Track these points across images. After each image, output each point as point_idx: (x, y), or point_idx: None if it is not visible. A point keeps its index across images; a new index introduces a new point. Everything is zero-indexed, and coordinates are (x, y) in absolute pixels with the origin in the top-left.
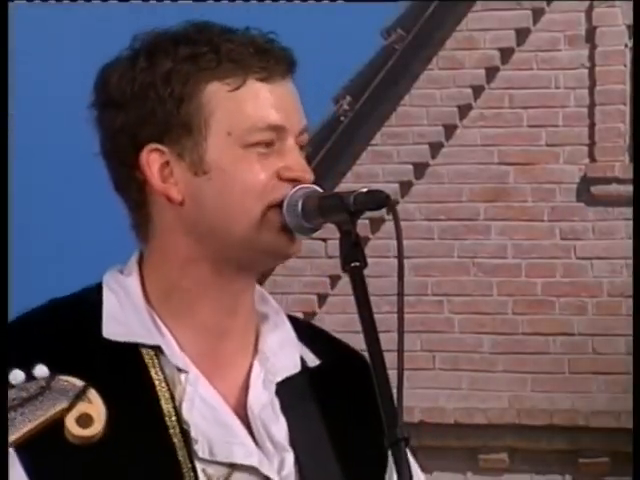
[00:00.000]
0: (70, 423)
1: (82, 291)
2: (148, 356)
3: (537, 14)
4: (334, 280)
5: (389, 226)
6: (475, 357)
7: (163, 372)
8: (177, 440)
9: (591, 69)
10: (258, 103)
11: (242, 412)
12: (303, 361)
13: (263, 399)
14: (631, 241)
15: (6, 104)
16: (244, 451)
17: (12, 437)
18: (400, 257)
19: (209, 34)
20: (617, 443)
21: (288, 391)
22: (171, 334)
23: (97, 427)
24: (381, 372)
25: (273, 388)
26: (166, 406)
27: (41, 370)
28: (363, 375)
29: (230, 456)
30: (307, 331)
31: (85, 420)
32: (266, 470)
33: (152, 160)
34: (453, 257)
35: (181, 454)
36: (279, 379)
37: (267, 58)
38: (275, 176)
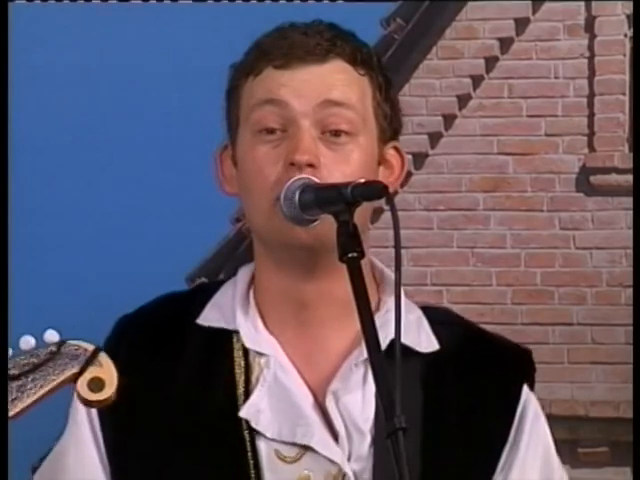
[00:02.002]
0: (82, 387)
1: (205, 283)
2: (235, 340)
3: (536, 3)
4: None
5: (388, 216)
6: None
7: (246, 356)
8: (244, 420)
9: (590, 59)
10: (265, 85)
11: (324, 396)
12: (412, 349)
13: (343, 381)
14: (630, 231)
15: (6, 104)
16: (304, 430)
17: (25, 403)
18: (397, 247)
19: (269, 32)
20: (616, 433)
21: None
22: (262, 321)
23: (108, 391)
24: (379, 363)
25: (369, 371)
26: (239, 387)
27: (51, 335)
28: (504, 367)
29: (293, 436)
30: (444, 322)
31: (97, 384)
32: (325, 452)
33: (224, 156)
34: (452, 247)
35: (246, 433)
36: (360, 360)
37: (282, 45)
38: (283, 167)
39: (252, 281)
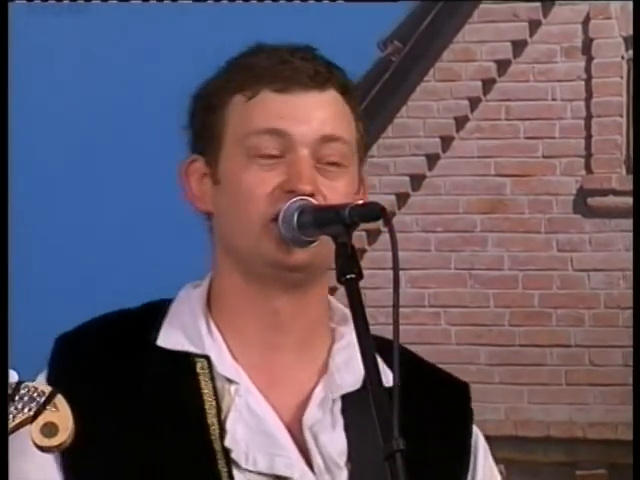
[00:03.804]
0: (35, 432)
1: (151, 302)
2: (200, 366)
3: (533, 26)
4: (331, 292)
5: (386, 238)
6: (472, 369)
7: (213, 382)
8: (218, 450)
9: (588, 81)
10: (264, 111)
11: (297, 428)
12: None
13: (319, 415)
14: (628, 253)
15: (6, 106)
16: (285, 462)
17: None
18: (395, 269)
19: (254, 50)
20: (614, 455)
21: (354, 408)
22: (226, 344)
23: (61, 437)
24: (377, 384)
25: (335, 405)
26: (210, 416)
27: (10, 376)
28: (454, 401)
29: (271, 467)
30: (383, 346)
31: (50, 429)
32: None
33: (192, 170)
34: (450, 269)
35: (221, 464)
36: (337, 395)
37: (284, 69)
38: (278, 188)
39: (208, 303)
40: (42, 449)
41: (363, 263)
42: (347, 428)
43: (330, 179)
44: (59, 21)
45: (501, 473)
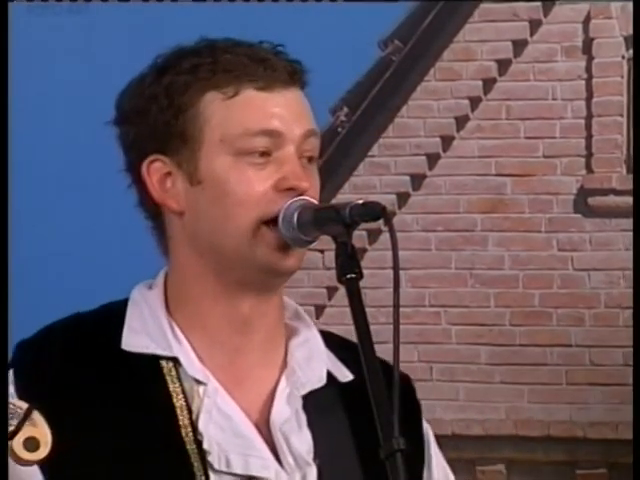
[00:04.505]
0: (17, 446)
1: (107, 305)
2: (167, 368)
3: (534, 25)
4: (331, 291)
5: (386, 237)
6: (472, 368)
7: (181, 384)
8: (193, 453)
9: (588, 80)
10: (251, 110)
11: (264, 426)
12: (332, 376)
13: (286, 413)
14: (628, 252)
15: (6, 106)
16: (261, 463)
17: None
18: (396, 269)
19: (213, 47)
20: (615, 454)
21: (315, 405)
22: (191, 346)
23: (43, 451)
24: (377, 383)
25: (299, 402)
26: (182, 418)
27: None
28: (404, 394)
29: (246, 468)
30: (344, 347)
31: (32, 443)
32: None
33: (153, 170)
34: (450, 268)
35: (197, 466)
36: (303, 393)
37: (264, 67)
38: (272, 188)
39: (166, 304)
40: (25, 463)
41: (363, 263)
42: (310, 424)
43: (309, 175)
44: (59, 21)
45: (501, 473)
